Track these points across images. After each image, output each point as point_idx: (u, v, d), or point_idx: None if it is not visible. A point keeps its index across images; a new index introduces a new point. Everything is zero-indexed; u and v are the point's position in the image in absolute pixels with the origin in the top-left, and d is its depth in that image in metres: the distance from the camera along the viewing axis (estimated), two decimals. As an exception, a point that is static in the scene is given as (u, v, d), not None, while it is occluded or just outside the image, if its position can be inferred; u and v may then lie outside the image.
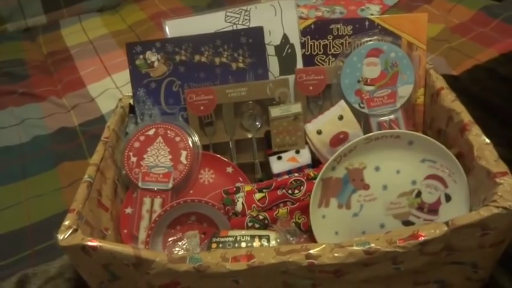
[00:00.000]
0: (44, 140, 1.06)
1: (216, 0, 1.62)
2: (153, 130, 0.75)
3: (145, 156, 0.74)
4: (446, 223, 0.51)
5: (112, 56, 1.29)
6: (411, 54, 0.74)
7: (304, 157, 0.74)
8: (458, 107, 0.66)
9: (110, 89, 1.19)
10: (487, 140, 0.60)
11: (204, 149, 0.77)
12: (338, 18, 0.77)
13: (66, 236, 0.53)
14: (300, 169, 0.74)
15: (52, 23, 1.58)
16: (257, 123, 0.77)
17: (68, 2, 1.59)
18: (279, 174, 0.74)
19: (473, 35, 1.24)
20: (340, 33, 0.77)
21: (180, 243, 0.64)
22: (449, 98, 0.68)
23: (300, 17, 1.39)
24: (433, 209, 0.63)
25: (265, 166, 0.78)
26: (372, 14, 1.38)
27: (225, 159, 0.76)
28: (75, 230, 0.54)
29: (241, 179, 0.75)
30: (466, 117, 0.64)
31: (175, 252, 0.63)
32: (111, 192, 0.69)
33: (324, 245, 0.52)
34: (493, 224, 0.51)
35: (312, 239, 0.64)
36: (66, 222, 0.55)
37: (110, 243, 0.53)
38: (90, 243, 0.52)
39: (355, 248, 0.51)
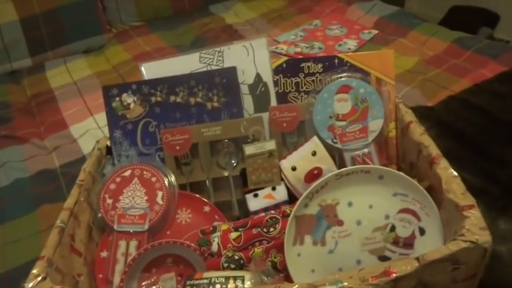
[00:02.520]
0: (24, 183, 1.05)
1: (199, 39, 1.66)
2: (129, 171, 0.75)
3: (121, 198, 0.73)
4: (417, 258, 0.52)
5: (95, 97, 1.30)
6: (380, 90, 0.76)
7: (281, 194, 0.75)
8: (426, 140, 0.67)
9: (91, 129, 1.20)
10: (455, 173, 0.60)
11: (181, 189, 0.77)
12: (308, 57, 0.79)
13: (34, 285, 0.52)
14: (276, 206, 0.74)
15: (37, 65, 1.60)
16: (233, 161, 0.78)
17: (53, 44, 1.61)
18: (255, 212, 0.74)
19: (447, 67, 1.28)
20: (311, 71, 0.79)
21: (154, 287, 0.63)
22: (418, 132, 0.69)
23: (280, 53, 1.43)
24: (408, 243, 0.62)
25: (243, 204, 0.77)
26: (349, 49, 1.43)
27: (202, 198, 0.76)
28: (44, 278, 0.53)
29: (218, 218, 0.75)
30: (434, 150, 0.65)
31: (149, 296, 0.61)
32: (86, 236, 0.69)
33: (296, 285, 0.51)
34: (462, 258, 0.51)
35: (288, 277, 0.63)
36: (35, 271, 0.54)
37: (78, 291, 0.52)
38: (57, 292, 0.51)
39: (327, 287, 0.50)
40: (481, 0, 2.56)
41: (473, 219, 0.52)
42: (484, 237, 0.50)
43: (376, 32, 1.53)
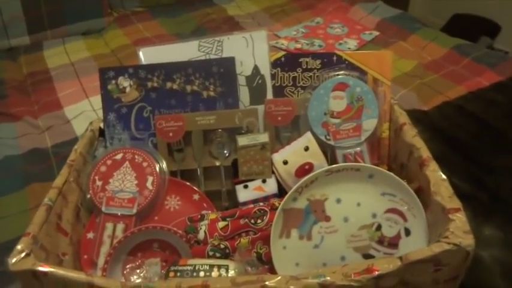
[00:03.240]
0: (15, 160, 1.05)
1: (199, 29, 1.65)
2: (121, 155, 0.75)
3: (111, 180, 0.73)
4: (400, 258, 0.52)
5: (92, 79, 1.29)
6: (376, 90, 0.77)
7: (271, 186, 0.75)
8: (418, 142, 0.67)
9: (86, 111, 1.19)
10: (443, 176, 0.61)
11: (172, 175, 0.77)
12: (307, 52, 0.79)
13: (17, 260, 0.52)
14: (266, 198, 0.74)
15: (35, 44, 1.58)
16: (225, 152, 0.78)
17: (52, 24, 1.60)
18: (245, 203, 0.74)
19: (444, 72, 1.28)
20: (309, 67, 0.80)
21: (138, 270, 0.63)
22: (411, 134, 0.70)
23: (280, 48, 1.43)
24: (393, 243, 0.63)
25: (233, 194, 0.78)
26: (349, 48, 1.43)
27: (192, 186, 0.76)
28: (28, 255, 0.53)
29: (207, 207, 0.75)
30: (425, 152, 0.65)
31: (133, 280, 0.62)
32: (73, 216, 0.69)
33: (279, 277, 0.52)
34: (445, 260, 0.51)
35: (273, 270, 0.64)
36: (19, 246, 0.54)
37: (62, 269, 0.52)
38: (40, 269, 0.51)
39: (310, 280, 0.51)
40: (483, 9, 2.57)
41: (458, 222, 0.53)
42: (468, 240, 0.51)
43: (377, 33, 1.53)
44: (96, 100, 1.22)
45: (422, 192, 0.63)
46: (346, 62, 0.78)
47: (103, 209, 0.71)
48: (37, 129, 1.15)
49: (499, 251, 0.73)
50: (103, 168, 0.74)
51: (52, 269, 0.51)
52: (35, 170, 1.01)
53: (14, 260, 0.52)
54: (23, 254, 0.53)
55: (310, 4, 1.82)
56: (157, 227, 0.67)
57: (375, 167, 0.64)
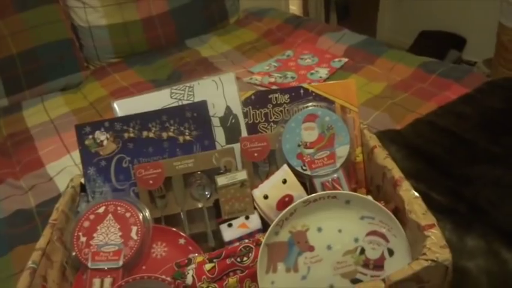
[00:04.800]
0: (-1, 225, 1.04)
1: (175, 73, 1.69)
2: (103, 208, 0.76)
3: (95, 235, 0.73)
4: (383, 280, 0.53)
5: (72, 134, 1.29)
6: (345, 117, 0.79)
7: (254, 222, 0.76)
8: (390, 163, 0.70)
9: (68, 167, 1.19)
10: (416, 194, 0.63)
11: (156, 222, 0.77)
12: (276, 88, 0.82)
13: (3, 330, 0.52)
14: (250, 234, 0.75)
15: (14, 104, 1.60)
16: (206, 193, 0.79)
17: (30, 83, 1.62)
18: (230, 242, 0.75)
19: (413, 91, 1.33)
20: (278, 102, 0.83)
21: (129, 324, 0.63)
22: (382, 155, 0.72)
23: (254, 84, 1.47)
24: (378, 265, 0.64)
25: (218, 234, 0.78)
26: (320, 77, 1.48)
27: (177, 231, 0.77)
28: (14, 322, 0.53)
29: (193, 250, 0.75)
30: (396, 173, 0.67)
31: (124, 334, 0.61)
32: (59, 276, 0.68)
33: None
34: (426, 276, 0.53)
35: (264, 306, 0.64)
36: (4, 315, 0.53)
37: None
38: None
39: (299, 313, 0.51)
40: (448, 25, 2.69)
41: (434, 238, 0.54)
42: (444, 255, 0.52)
43: (346, 59, 1.59)
44: (78, 154, 1.22)
45: (399, 212, 0.65)
46: (313, 94, 0.82)
47: (89, 264, 0.71)
48: (20, 190, 1.15)
49: (484, 261, 0.75)
50: (86, 224, 0.74)
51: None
52: (19, 232, 1.00)
53: (-1, 330, 0.51)
54: (8, 322, 0.52)
55: (279, 38, 1.89)
56: (144, 276, 0.67)
57: (350, 192, 0.65)
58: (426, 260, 0.52)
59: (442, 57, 2.51)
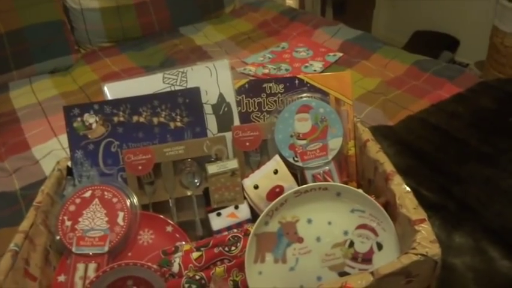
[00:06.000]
0: (-19, 207, 1.01)
1: (168, 60, 1.67)
2: (90, 192, 0.74)
3: (80, 219, 0.72)
4: (372, 273, 0.53)
5: (60, 117, 1.26)
6: (339, 109, 0.79)
7: (244, 212, 0.75)
8: (382, 157, 0.69)
9: (55, 150, 1.17)
10: (408, 189, 0.63)
11: (144, 209, 0.76)
12: (270, 78, 0.81)
13: (-18, 312, 0.50)
14: (239, 224, 0.74)
15: (1, 85, 1.56)
16: (196, 181, 0.78)
17: (18, 64, 1.59)
18: (219, 231, 0.74)
19: (407, 88, 1.33)
20: (273, 92, 0.81)
21: (113, 310, 0.61)
22: (374, 149, 0.72)
23: (248, 74, 1.46)
24: (367, 258, 0.64)
25: (207, 223, 0.77)
26: (315, 71, 1.47)
27: (165, 219, 0.76)
28: (-7, 305, 0.51)
29: (180, 238, 0.74)
30: (388, 167, 0.67)
31: (107, 320, 0.60)
32: (41, 260, 0.67)
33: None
34: (414, 271, 0.52)
35: (250, 296, 0.63)
36: (-17, 297, 0.52)
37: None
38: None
39: (286, 304, 0.51)
40: (442, 26, 2.70)
41: (424, 232, 0.54)
42: (434, 250, 0.52)
43: (341, 54, 1.58)
44: (65, 138, 1.18)
45: (390, 206, 0.65)
46: (308, 85, 0.81)
47: (73, 249, 0.69)
48: (4, 172, 1.12)
49: (470, 258, 0.75)
50: (72, 208, 0.73)
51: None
52: (2, 215, 0.98)
53: (-23, 312, 0.50)
54: (-13, 304, 0.51)
55: (275, 30, 1.87)
56: (130, 263, 0.66)
57: (342, 185, 0.65)
58: (416, 254, 0.52)
59: (435, 57, 2.52)
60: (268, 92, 0.82)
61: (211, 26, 1.95)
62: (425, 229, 0.55)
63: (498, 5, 1.92)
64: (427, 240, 0.53)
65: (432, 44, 2.70)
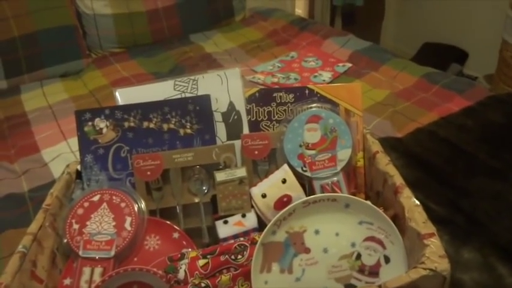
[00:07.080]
0: (-11, 207, 1.02)
1: (177, 67, 1.68)
2: (98, 196, 0.74)
3: (88, 223, 0.72)
4: (379, 286, 0.52)
5: (70, 121, 1.29)
6: (348, 120, 0.79)
7: (251, 221, 0.75)
8: (392, 170, 0.69)
9: (64, 154, 1.18)
10: (417, 202, 0.62)
11: (151, 215, 0.76)
12: (281, 87, 0.82)
13: (-11, 313, 0.51)
14: (246, 233, 0.74)
15: (13, 88, 1.58)
16: (204, 188, 0.78)
17: (30, 68, 1.61)
18: (225, 239, 0.74)
19: (416, 100, 1.33)
20: (283, 101, 0.82)
21: (117, 316, 0.61)
22: (384, 161, 0.72)
23: (257, 83, 1.47)
24: (374, 271, 0.63)
25: (213, 231, 0.77)
26: (324, 81, 1.47)
27: (172, 225, 0.76)
28: (0, 306, 0.52)
29: (187, 245, 0.74)
30: (398, 180, 0.67)
31: (112, 326, 0.60)
32: (49, 262, 0.67)
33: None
34: (422, 285, 0.52)
35: (256, 306, 0.63)
36: (-9, 298, 0.52)
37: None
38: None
39: (292, 315, 0.50)
40: (451, 38, 2.70)
41: (433, 247, 0.54)
42: (443, 265, 0.52)
43: (350, 65, 1.59)
44: (74, 142, 1.20)
45: (399, 219, 0.64)
46: (318, 95, 0.81)
47: (80, 253, 0.69)
48: (13, 174, 1.13)
49: (479, 274, 0.74)
50: (80, 211, 0.73)
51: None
52: (9, 216, 0.98)
53: (-15, 313, 0.50)
54: (-6, 306, 0.51)
55: (284, 39, 1.88)
56: (135, 268, 0.66)
57: (350, 196, 0.65)
58: (424, 269, 0.51)
59: (443, 70, 2.52)
60: (278, 101, 0.82)
61: (221, 34, 1.96)
62: (435, 243, 0.54)
63: (508, 19, 1.92)
64: (436, 255, 0.53)
65: (441, 56, 2.69)
